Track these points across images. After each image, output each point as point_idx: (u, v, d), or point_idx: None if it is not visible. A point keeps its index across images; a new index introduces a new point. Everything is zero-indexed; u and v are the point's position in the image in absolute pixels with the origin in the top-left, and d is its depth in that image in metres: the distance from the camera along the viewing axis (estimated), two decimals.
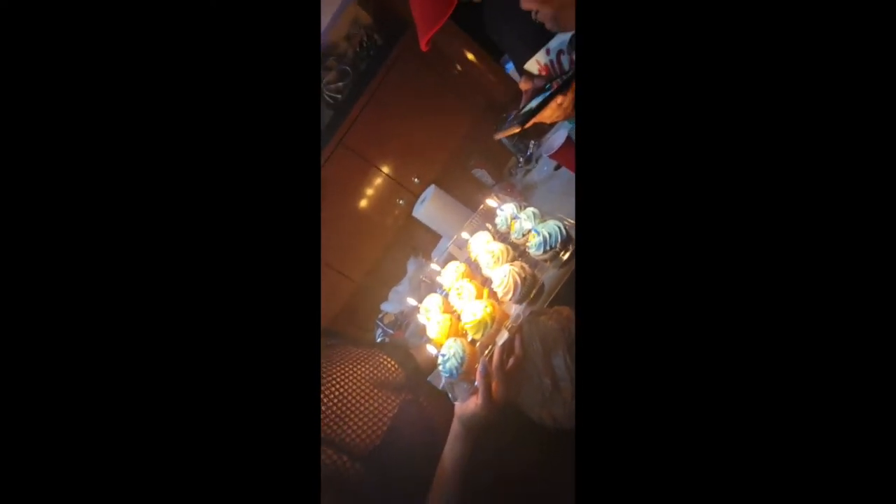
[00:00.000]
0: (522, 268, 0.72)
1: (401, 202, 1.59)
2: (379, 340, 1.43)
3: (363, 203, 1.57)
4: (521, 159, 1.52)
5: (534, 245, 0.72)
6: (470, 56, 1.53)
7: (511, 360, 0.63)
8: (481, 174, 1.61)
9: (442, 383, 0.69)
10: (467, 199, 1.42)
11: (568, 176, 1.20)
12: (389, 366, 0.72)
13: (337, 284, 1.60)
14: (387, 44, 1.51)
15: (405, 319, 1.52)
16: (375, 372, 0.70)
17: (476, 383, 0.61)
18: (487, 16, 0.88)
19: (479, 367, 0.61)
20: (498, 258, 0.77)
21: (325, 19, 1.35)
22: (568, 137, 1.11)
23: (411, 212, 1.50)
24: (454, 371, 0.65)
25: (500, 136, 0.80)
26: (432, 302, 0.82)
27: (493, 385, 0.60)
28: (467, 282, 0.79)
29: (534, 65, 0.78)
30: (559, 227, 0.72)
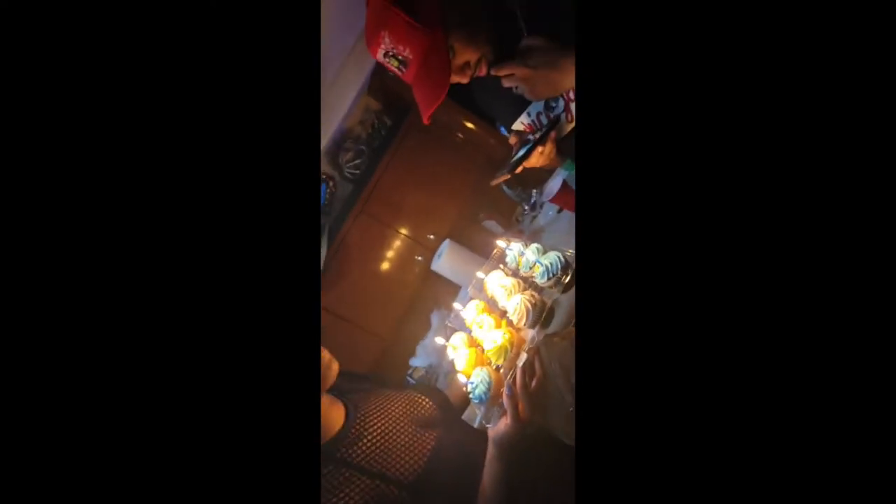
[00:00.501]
0: (532, 296, 0.81)
1: (419, 258, 1.70)
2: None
3: (385, 263, 1.69)
4: (526, 207, 1.64)
5: (539, 275, 0.82)
6: (469, 124, 1.72)
7: (534, 381, 0.68)
8: (491, 224, 1.72)
9: (476, 420, 0.75)
10: (480, 248, 1.53)
11: (570, 216, 1.30)
12: (424, 404, 0.77)
13: (365, 343, 1.68)
14: (395, 124, 1.72)
15: (434, 372, 1.56)
16: (411, 409, 0.75)
17: (504, 405, 0.66)
18: (476, 92, 1.04)
19: (504, 390, 0.67)
20: (510, 291, 0.87)
21: (344, 109, 1.56)
22: (564, 182, 1.23)
23: (430, 266, 1.61)
24: (483, 396, 0.71)
25: (495, 182, 0.95)
26: (458, 338, 0.91)
27: (520, 405, 0.65)
28: (486, 315, 0.88)
29: (519, 125, 0.96)
30: (559, 257, 0.82)
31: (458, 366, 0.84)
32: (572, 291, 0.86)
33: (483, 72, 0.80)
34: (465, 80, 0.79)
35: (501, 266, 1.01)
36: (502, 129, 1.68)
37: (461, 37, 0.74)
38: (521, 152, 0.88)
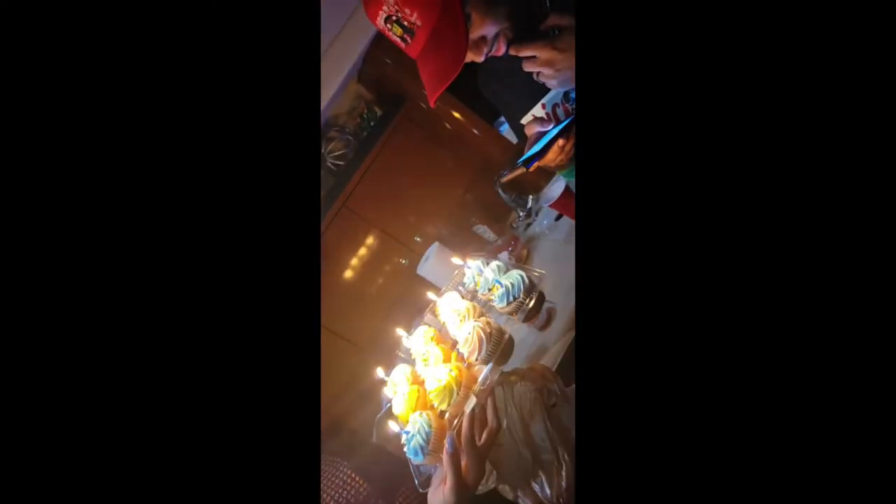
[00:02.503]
0: (488, 323, 0.66)
1: (404, 262, 1.59)
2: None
3: (366, 265, 1.57)
4: (521, 213, 1.54)
5: (498, 297, 0.68)
6: (465, 121, 1.62)
7: (484, 433, 0.55)
8: (483, 230, 1.62)
9: (416, 481, 0.60)
10: (470, 255, 1.42)
11: (568, 225, 1.20)
12: (353, 483, 0.69)
13: (340, 350, 1.55)
14: (386, 115, 1.61)
15: None
16: (341, 492, 0.68)
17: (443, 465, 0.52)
18: (482, 77, 0.93)
19: (445, 445, 0.52)
20: (464, 316, 0.70)
21: (327, 96, 1.45)
22: (566, 187, 1.13)
23: (415, 271, 1.49)
24: (419, 450, 0.56)
25: (507, 178, 0.81)
26: (400, 373, 0.74)
27: (463, 464, 0.51)
28: (434, 345, 0.71)
29: (530, 117, 0.81)
30: (521, 277, 0.69)
31: (395, 409, 0.68)
32: (547, 338, 0.73)
33: (501, 51, 0.67)
34: (479, 59, 0.67)
35: (460, 286, 0.85)
36: (503, 128, 1.59)
37: (480, 5, 0.61)
38: (539, 146, 0.73)
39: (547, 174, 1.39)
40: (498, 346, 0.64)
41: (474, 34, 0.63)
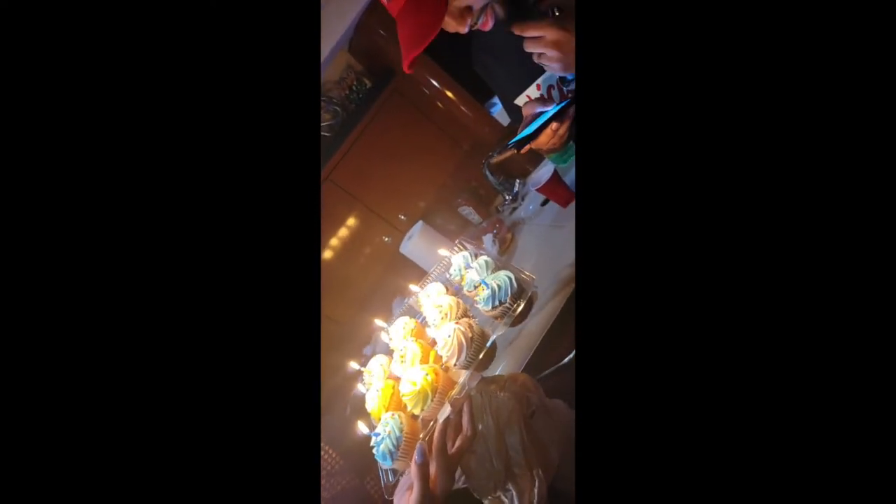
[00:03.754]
0: (470, 326, 0.62)
1: (387, 239, 1.57)
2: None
3: (348, 240, 1.54)
4: (507, 197, 1.54)
5: (482, 299, 0.64)
6: (456, 99, 1.59)
7: (457, 441, 0.53)
8: (468, 212, 1.61)
9: (382, 485, 0.58)
10: (454, 236, 1.41)
11: (555, 210, 1.21)
12: (327, 455, 0.67)
13: (322, 327, 1.53)
14: (376, 87, 1.56)
15: None
16: None
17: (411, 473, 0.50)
18: (475, 51, 0.90)
19: (415, 454, 0.50)
20: (446, 314, 0.65)
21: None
22: (555, 172, 1.13)
23: (398, 249, 1.48)
24: (388, 455, 0.54)
25: (497, 160, 0.79)
26: (376, 365, 0.70)
27: (433, 474, 0.49)
28: (413, 341, 0.66)
29: (524, 98, 0.79)
30: (510, 279, 0.64)
31: (368, 404, 0.65)
32: (527, 327, 0.70)
33: (487, 26, 0.64)
34: (462, 30, 0.63)
35: (446, 275, 0.80)
36: (494, 108, 1.57)
37: None
38: (532, 128, 0.70)
39: (535, 159, 1.39)
40: (479, 353, 0.60)
41: (461, 2, 0.60)
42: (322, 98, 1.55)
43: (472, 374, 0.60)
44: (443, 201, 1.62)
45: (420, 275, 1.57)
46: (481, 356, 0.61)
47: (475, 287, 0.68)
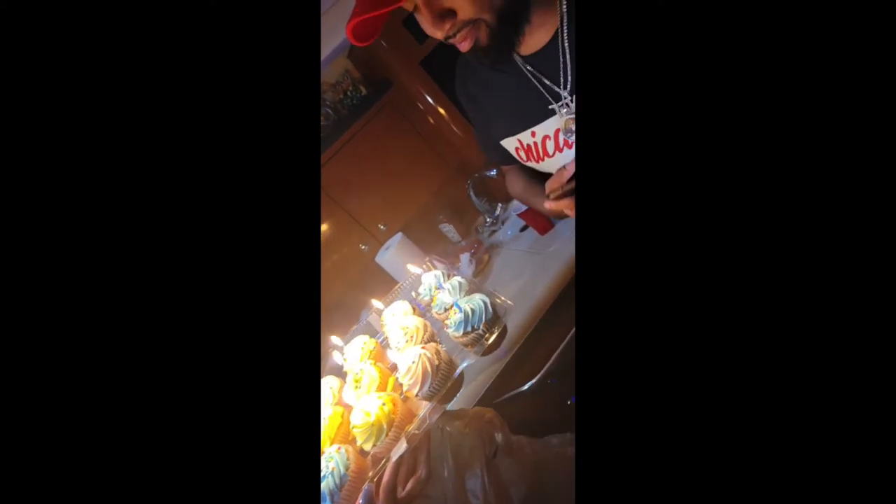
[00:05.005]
0: (437, 353, 0.55)
1: (364, 247, 1.55)
2: None
3: (324, 244, 1.51)
4: (488, 219, 1.55)
5: (453, 323, 0.58)
6: (448, 118, 1.61)
7: (410, 483, 0.48)
8: (448, 229, 1.62)
9: None
10: (433, 252, 1.41)
11: (533, 237, 1.22)
12: None
13: None
14: (371, 96, 1.57)
15: None
16: None
17: None
18: (464, 79, 0.78)
19: (360, 497, 0.46)
20: (412, 336, 0.59)
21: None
22: None
23: (373, 258, 1.46)
24: (329, 497, 0.47)
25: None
26: (325, 388, 0.61)
27: None
28: (371, 364, 0.59)
29: (513, 142, 0.72)
30: (485, 304, 0.58)
31: None
32: (499, 360, 0.65)
33: (465, 46, 0.56)
34: (436, 35, 0.55)
35: (414, 294, 0.73)
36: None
37: None
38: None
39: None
40: (445, 383, 0.53)
41: (445, 3, 0.52)
42: None
43: (434, 406, 0.53)
44: (425, 216, 1.62)
45: (392, 286, 1.55)
46: (447, 387, 0.54)
47: (445, 309, 0.63)
